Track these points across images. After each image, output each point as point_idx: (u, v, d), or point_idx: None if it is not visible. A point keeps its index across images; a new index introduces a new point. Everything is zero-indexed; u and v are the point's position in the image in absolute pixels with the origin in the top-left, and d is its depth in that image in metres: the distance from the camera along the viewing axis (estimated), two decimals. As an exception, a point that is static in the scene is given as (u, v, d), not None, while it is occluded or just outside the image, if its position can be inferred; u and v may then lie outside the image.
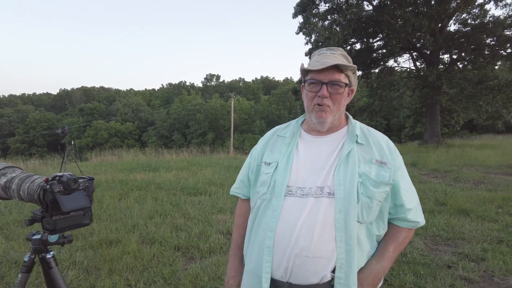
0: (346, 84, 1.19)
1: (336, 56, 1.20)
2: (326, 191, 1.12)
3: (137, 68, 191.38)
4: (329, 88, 1.16)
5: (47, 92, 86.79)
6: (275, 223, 1.14)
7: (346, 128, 1.25)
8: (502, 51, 16.16)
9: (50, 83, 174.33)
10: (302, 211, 1.11)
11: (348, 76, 1.20)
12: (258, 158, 1.32)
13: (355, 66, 1.21)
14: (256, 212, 1.25)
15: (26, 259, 1.26)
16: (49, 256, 1.26)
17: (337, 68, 1.16)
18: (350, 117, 1.29)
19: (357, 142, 1.19)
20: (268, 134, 1.38)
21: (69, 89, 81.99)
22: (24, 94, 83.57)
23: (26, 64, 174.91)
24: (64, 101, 75.85)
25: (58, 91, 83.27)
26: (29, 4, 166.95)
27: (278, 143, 1.29)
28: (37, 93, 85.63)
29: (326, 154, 1.19)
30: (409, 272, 2.98)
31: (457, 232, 3.98)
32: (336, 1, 15.69)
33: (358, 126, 1.25)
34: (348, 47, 17.74)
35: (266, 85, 74.48)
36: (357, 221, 1.11)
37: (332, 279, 1.10)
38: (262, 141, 1.38)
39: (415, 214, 1.20)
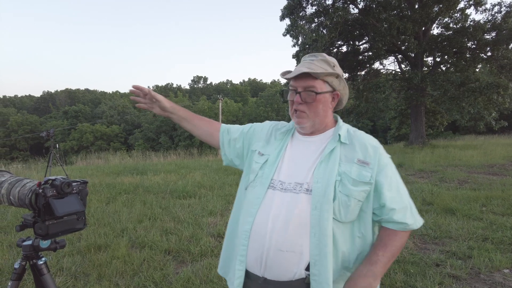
0: (324, 91, 1.20)
1: (315, 62, 1.20)
2: (305, 188, 1.15)
3: (123, 70, 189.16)
4: (303, 95, 1.20)
5: (29, 95, 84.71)
6: (256, 210, 1.18)
7: (333, 129, 1.27)
8: (482, 54, 16.67)
9: (33, 85, 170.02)
10: (280, 205, 1.14)
11: (327, 82, 1.20)
12: (250, 138, 1.40)
13: (336, 72, 1.21)
14: (240, 196, 1.33)
15: (16, 266, 1.22)
16: (41, 262, 1.22)
17: (311, 75, 1.18)
18: (339, 119, 1.31)
19: (340, 141, 1.19)
20: (272, 124, 1.42)
21: (52, 91, 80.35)
22: (5, 96, 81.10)
23: (7, 66, 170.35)
24: (47, 103, 74.11)
25: (41, 93, 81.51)
26: (9, 3, 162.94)
27: (273, 137, 1.35)
28: (19, 96, 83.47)
29: (311, 153, 1.22)
30: (399, 271, 3.02)
31: (444, 231, 4.07)
32: (322, 4, 15.89)
33: (345, 127, 1.27)
34: (335, 50, 17.96)
35: (253, 87, 74.62)
36: (335, 218, 1.11)
37: (306, 277, 1.11)
38: (267, 125, 1.42)
39: (402, 215, 1.15)
